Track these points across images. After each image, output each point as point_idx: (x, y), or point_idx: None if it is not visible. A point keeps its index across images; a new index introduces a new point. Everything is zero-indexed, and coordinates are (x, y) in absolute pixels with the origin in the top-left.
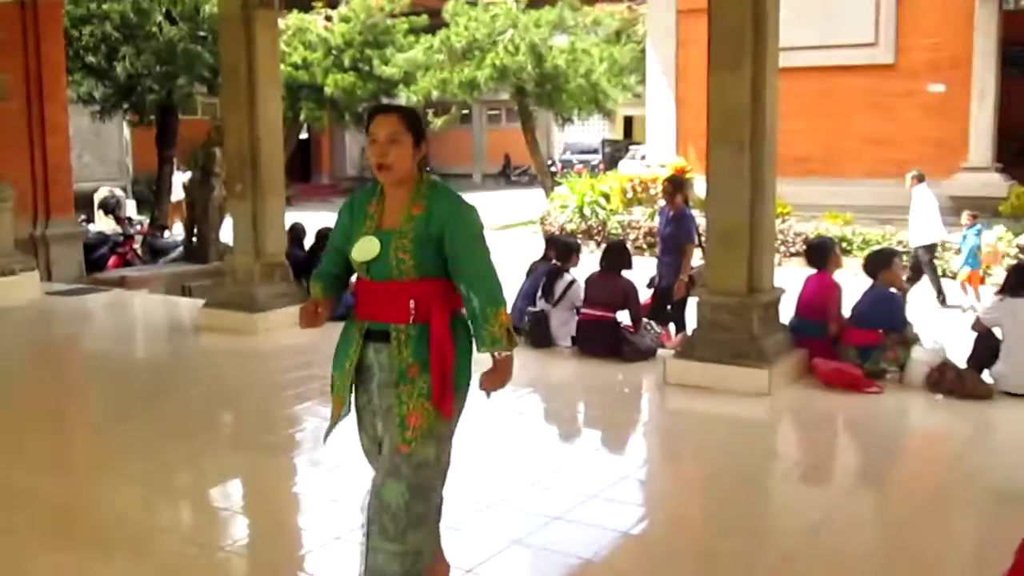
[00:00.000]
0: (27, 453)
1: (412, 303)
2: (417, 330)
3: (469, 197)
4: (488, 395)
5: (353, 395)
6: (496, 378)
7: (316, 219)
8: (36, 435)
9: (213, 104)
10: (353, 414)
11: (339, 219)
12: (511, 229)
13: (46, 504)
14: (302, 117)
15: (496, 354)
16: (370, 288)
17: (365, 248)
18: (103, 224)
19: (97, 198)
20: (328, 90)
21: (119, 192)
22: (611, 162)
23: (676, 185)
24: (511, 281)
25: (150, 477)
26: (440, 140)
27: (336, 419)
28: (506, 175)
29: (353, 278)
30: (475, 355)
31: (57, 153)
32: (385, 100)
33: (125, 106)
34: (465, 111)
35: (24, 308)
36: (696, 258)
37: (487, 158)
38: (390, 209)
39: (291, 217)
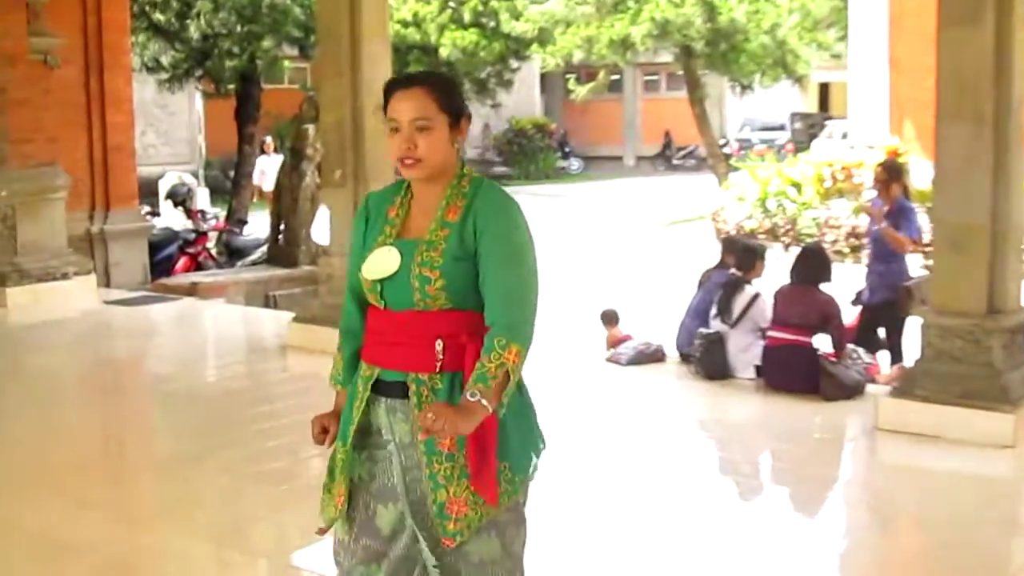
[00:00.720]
0: (79, 497)
1: (440, 344)
2: (447, 382)
3: (619, 185)
4: (421, 432)
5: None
6: (450, 416)
7: None
8: (89, 476)
9: (304, 70)
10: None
11: (355, 233)
12: (674, 228)
13: (100, 559)
14: None
15: (470, 394)
16: (383, 321)
17: (379, 263)
18: (171, 218)
19: (163, 186)
20: (444, 51)
21: (190, 179)
22: (802, 141)
23: (892, 172)
24: (675, 295)
25: (223, 532)
26: (582, 114)
27: (336, 513)
28: (666, 157)
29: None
30: (539, 412)
31: (119, 132)
32: (515, 63)
33: (198, 73)
34: (615, 76)
35: (78, 320)
36: (916, 265)
37: (642, 136)
38: (417, 213)
39: None
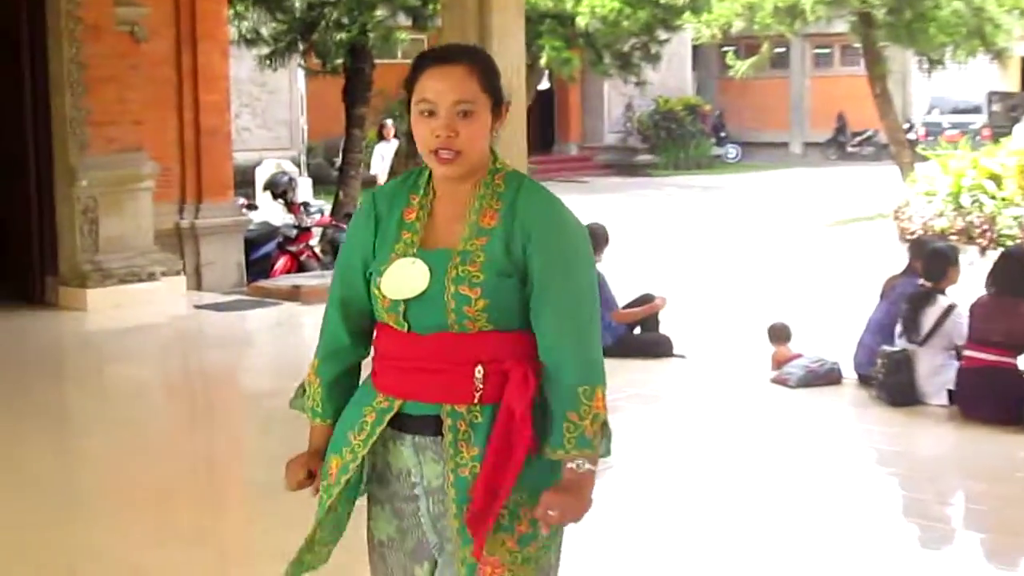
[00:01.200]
0: (164, 524)
1: (480, 371)
2: (488, 415)
3: (783, 176)
4: (544, 528)
5: (348, 514)
6: (569, 503)
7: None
8: (176, 501)
9: (421, 42)
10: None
11: (353, 234)
12: (848, 226)
13: None
14: (542, 61)
15: (575, 464)
16: (403, 345)
17: (404, 278)
18: (269, 211)
19: (260, 175)
20: (581, 21)
21: (290, 167)
22: (1002, 126)
23: None
24: (853, 306)
25: (324, 570)
26: (741, 93)
27: (304, 565)
28: (839, 144)
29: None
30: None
31: (213, 113)
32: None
33: (302, 47)
34: (780, 49)
35: (165, 327)
36: None
37: (811, 119)
38: (443, 216)
39: None
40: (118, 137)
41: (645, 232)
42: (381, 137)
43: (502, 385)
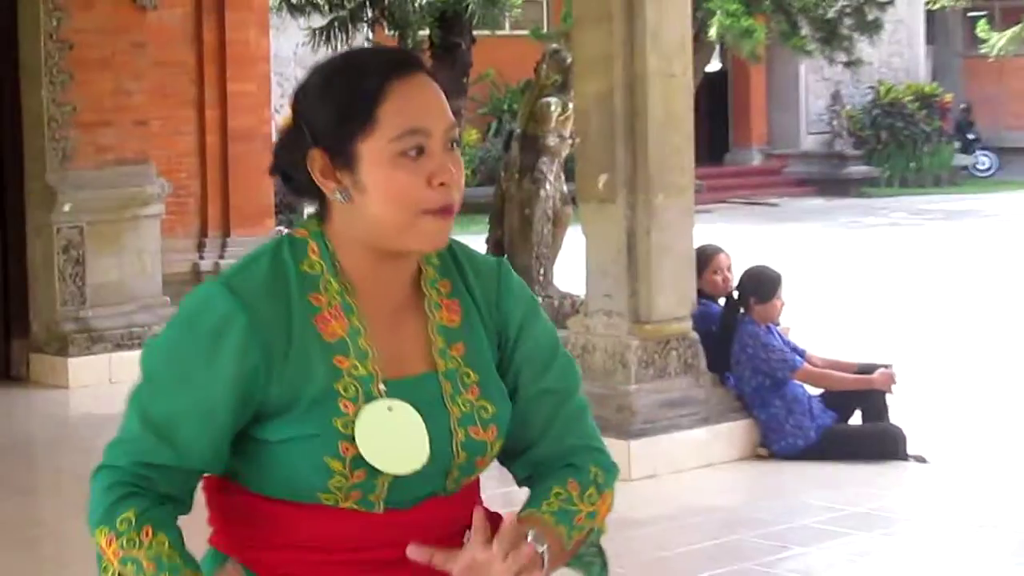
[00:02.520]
0: None
1: (467, 538)
2: None
3: None
4: None
5: None
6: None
7: (737, 239)
8: None
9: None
10: None
11: (198, 365)
12: None
13: None
14: (712, 32)
15: (537, 543)
16: (375, 529)
17: (395, 442)
18: None
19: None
20: None
21: None
22: None
23: None
24: None
25: None
26: (996, 78)
27: None
28: None
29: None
30: None
31: (247, 110)
32: None
33: (371, 15)
34: None
35: None
36: None
37: None
38: (382, 321)
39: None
40: (115, 144)
41: (859, 278)
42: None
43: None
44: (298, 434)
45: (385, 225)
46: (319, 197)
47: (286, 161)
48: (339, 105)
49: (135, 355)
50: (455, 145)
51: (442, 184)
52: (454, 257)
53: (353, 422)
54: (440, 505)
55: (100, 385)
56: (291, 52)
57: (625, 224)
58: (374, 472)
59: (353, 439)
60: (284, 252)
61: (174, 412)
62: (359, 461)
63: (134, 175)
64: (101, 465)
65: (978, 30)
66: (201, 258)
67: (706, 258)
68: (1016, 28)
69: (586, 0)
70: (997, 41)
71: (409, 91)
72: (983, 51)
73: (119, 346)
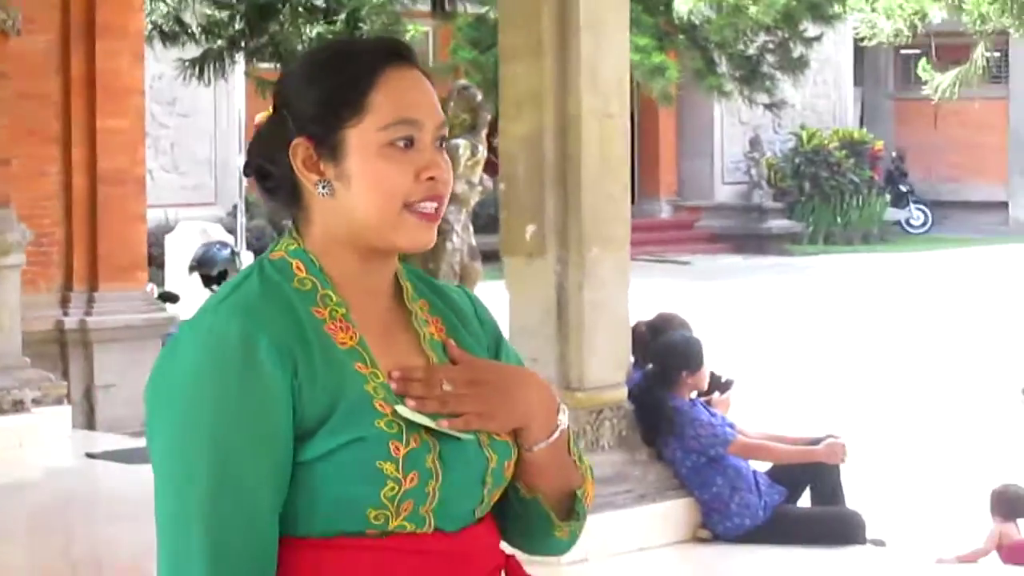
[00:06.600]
0: None
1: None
2: None
3: (1000, 254)
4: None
5: None
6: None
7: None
8: None
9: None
10: None
11: (254, 398)
12: None
13: None
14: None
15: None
16: (424, 559)
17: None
18: (196, 304)
19: (175, 245)
20: (682, 7)
21: (221, 234)
22: None
23: None
24: None
25: None
26: (930, 122)
27: None
28: None
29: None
30: None
31: (119, 148)
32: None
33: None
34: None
35: (38, 487)
36: None
37: None
38: (374, 333)
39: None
40: None
41: (784, 344)
42: None
43: None
44: (344, 441)
45: (368, 219)
46: (296, 197)
47: (264, 155)
48: (327, 90)
49: None
50: (443, 145)
51: (431, 179)
52: (423, 280)
53: (394, 421)
54: (479, 534)
55: None
56: (146, 84)
57: (555, 280)
58: (427, 474)
59: (401, 436)
60: (268, 271)
61: (245, 470)
62: (412, 460)
63: None
64: None
65: (919, 70)
66: (65, 315)
67: (701, 352)
68: (962, 68)
69: (514, 31)
70: (940, 83)
71: (402, 81)
72: (925, 93)
73: None
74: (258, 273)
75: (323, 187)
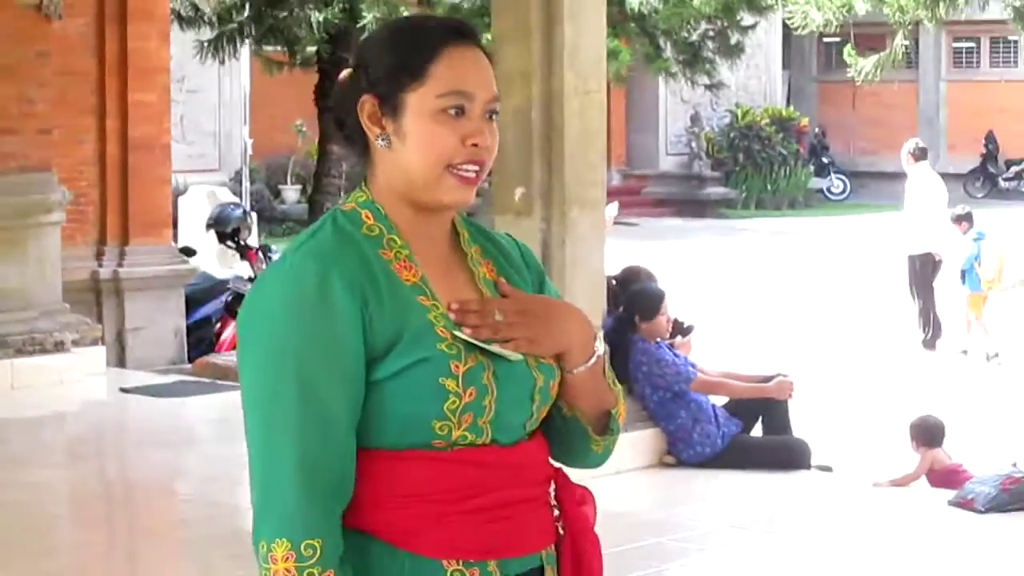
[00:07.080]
0: None
1: (552, 489)
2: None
3: (891, 217)
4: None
5: None
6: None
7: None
8: None
9: None
10: None
11: (330, 325)
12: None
13: None
14: None
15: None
16: (487, 469)
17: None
18: (210, 258)
19: (189, 207)
20: (633, 1)
21: (229, 197)
22: None
23: None
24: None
25: None
26: (849, 102)
27: None
28: (989, 176)
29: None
30: None
31: (148, 119)
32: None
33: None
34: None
35: (76, 418)
36: None
37: (949, 141)
38: (434, 271)
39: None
40: (16, 152)
41: (725, 297)
42: None
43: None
44: (411, 361)
45: (416, 175)
46: (365, 148)
47: (341, 106)
48: (397, 56)
49: (36, 361)
50: (494, 117)
51: (475, 145)
52: (477, 228)
53: (454, 343)
54: (531, 449)
55: (2, 390)
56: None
57: (540, 237)
58: (483, 390)
59: (460, 357)
60: (341, 221)
61: (324, 388)
62: (470, 377)
63: (36, 183)
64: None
65: (845, 56)
66: (100, 266)
67: (658, 301)
68: (883, 54)
69: (505, 16)
70: (863, 67)
71: (461, 57)
72: (849, 76)
73: (19, 352)
74: (331, 222)
75: (382, 140)
